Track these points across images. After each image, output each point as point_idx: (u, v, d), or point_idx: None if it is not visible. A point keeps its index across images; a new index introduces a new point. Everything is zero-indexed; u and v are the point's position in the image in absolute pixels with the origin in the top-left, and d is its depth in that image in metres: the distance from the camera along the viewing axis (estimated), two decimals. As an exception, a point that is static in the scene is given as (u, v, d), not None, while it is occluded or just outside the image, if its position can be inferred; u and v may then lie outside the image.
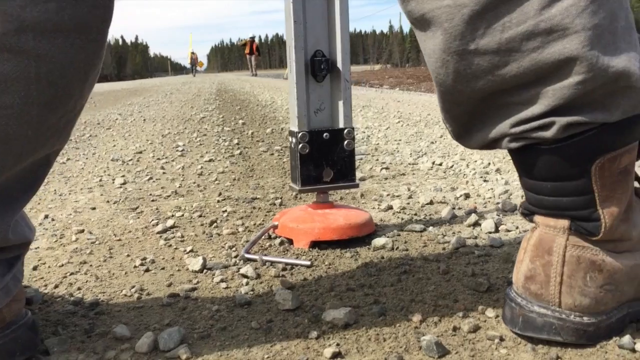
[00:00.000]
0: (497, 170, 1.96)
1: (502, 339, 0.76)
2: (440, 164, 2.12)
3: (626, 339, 0.72)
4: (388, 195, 1.64)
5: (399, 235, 1.24)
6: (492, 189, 1.65)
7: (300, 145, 1.18)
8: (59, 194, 1.85)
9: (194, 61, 36.01)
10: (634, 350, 0.71)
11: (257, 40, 33.96)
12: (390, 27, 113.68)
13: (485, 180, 1.79)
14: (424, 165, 2.10)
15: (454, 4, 0.65)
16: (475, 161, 2.14)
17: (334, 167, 1.21)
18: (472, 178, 1.84)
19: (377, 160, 2.30)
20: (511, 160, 1.96)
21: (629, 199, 0.72)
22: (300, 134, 1.18)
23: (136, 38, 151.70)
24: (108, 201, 1.70)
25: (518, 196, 1.55)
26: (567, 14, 0.63)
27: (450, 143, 2.64)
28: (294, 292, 0.90)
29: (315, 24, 1.19)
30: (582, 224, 0.71)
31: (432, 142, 2.70)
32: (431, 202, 1.52)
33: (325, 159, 1.20)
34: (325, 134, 1.19)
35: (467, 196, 1.59)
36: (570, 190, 0.70)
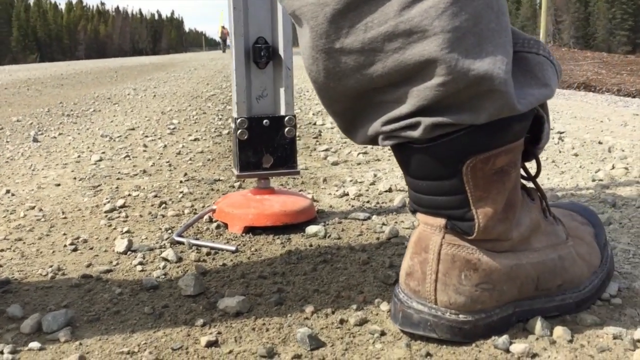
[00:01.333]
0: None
1: (383, 334, 0.75)
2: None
3: (503, 339, 0.71)
4: (351, 181, 1.64)
5: (339, 223, 1.23)
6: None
7: (239, 132, 1.18)
8: (32, 169, 1.88)
9: (225, 36, 34.87)
10: (507, 351, 0.70)
11: None
12: None
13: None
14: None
15: (317, 2, 0.64)
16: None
17: (274, 154, 1.21)
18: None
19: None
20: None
21: (507, 199, 0.71)
22: (239, 120, 1.18)
23: (172, 13, 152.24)
24: (75, 178, 1.73)
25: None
26: (426, 15, 0.61)
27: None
28: (198, 278, 0.90)
29: (258, 11, 1.18)
30: (457, 223, 0.71)
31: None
32: (389, 190, 1.51)
33: (265, 146, 1.20)
34: (265, 121, 1.19)
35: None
36: (443, 189, 0.70)
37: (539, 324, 0.74)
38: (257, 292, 0.89)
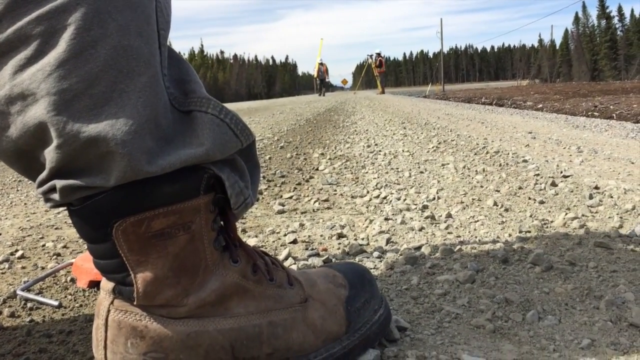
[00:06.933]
0: (424, 207, 1.85)
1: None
2: (378, 196, 2.03)
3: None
4: (270, 230, 1.61)
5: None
6: (380, 227, 1.57)
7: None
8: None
9: (322, 74, 30.17)
10: None
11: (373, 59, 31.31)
12: (540, 40, 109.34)
13: (386, 219, 1.70)
14: (362, 200, 2.02)
15: None
16: (430, 196, 2.04)
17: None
18: (384, 215, 1.75)
19: (338, 191, 2.25)
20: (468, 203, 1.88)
21: (177, 263, 0.68)
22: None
23: (286, 58, 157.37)
24: (19, 227, 1.81)
25: (396, 238, 1.47)
26: (34, 79, 0.62)
27: (438, 174, 2.52)
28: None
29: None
30: (122, 288, 0.69)
31: (421, 172, 2.59)
32: (294, 241, 1.48)
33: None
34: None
35: (340, 235, 1.52)
36: (101, 252, 0.69)
37: (222, 398, 0.70)
38: (20, 352, 0.89)
